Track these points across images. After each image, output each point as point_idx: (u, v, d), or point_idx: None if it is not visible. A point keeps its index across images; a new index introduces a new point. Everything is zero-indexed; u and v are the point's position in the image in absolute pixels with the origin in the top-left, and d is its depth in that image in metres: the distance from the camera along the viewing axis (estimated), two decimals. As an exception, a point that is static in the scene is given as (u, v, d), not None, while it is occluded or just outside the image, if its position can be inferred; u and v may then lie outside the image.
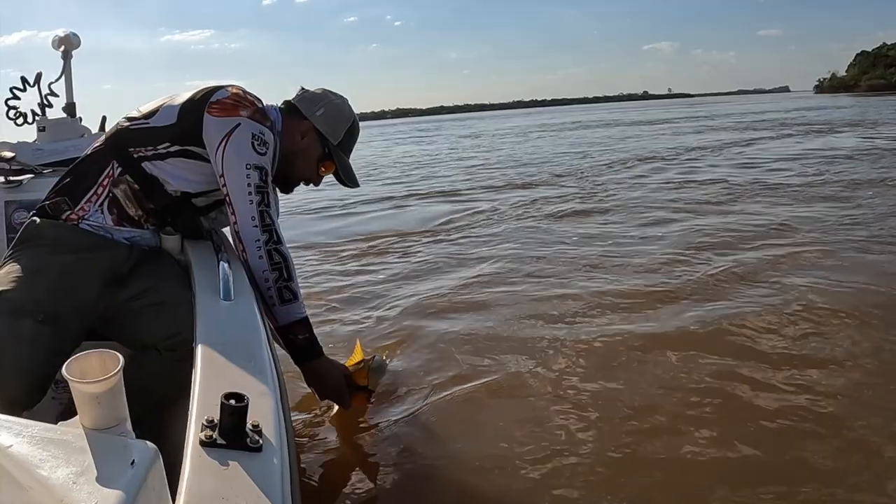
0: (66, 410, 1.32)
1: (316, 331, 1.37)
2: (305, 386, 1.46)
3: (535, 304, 2.56)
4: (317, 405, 1.67)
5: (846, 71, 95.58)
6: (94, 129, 2.30)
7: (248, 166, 1.26)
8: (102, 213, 1.27)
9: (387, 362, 1.82)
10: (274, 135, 1.33)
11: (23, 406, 1.09)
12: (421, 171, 9.46)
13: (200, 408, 0.65)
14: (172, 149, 1.28)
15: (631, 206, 4.94)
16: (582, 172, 7.59)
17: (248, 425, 0.62)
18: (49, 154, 2.08)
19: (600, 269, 3.06)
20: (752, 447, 1.46)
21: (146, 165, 1.28)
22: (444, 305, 2.62)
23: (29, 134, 2.21)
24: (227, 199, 1.27)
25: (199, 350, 0.81)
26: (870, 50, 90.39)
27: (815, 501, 1.28)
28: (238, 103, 1.29)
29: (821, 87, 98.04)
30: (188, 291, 1.15)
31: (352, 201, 5.90)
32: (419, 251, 3.79)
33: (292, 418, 1.25)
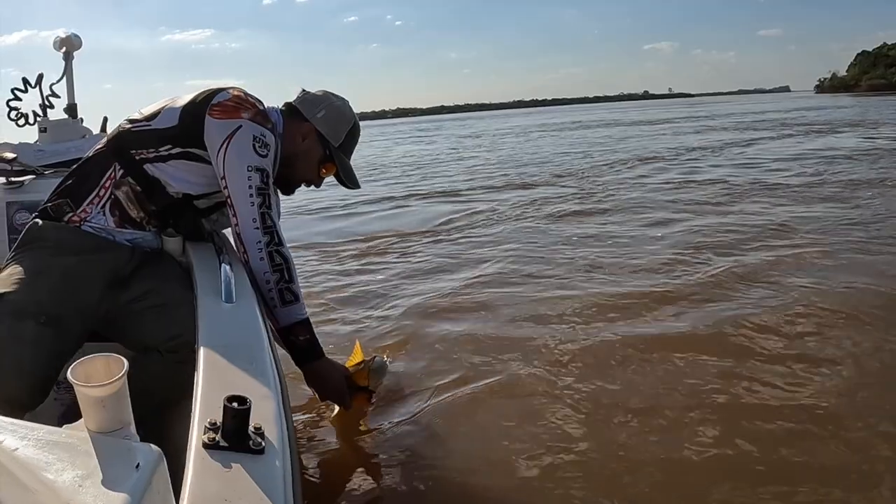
0: (67, 411, 1.33)
1: (316, 331, 1.38)
2: (307, 387, 1.46)
3: (535, 304, 2.56)
4: (318, 407, 1.67)
5: (847, 71, 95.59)
6: (96, 130, 2.30)
7: (250, 168, 1.26)
8: (104, 214, 1.27)
9: (388, 363, 1.82)
10: (275, 137, 1.34)
11: (25, 407, 1.10)
12: (421, 171, 9.47)
13: (203, 410, 0.66)
14: (174, 151, 1.28)
15: (631, 206, 4.94)
16: (582, 172, 7.60)
17: (251, 428, 0.62)
18: (50, 155, 2.09)
19: (600, 269, 3.06)
20: (753, 448, 1.47)
21: (148, 167, 1.28)
22: (445, 306, 2.62)
23: (30, 135, 2.22)
24: (229, 200, 1.28)
25: (202, 352, 0.82)
26: (870, 50, 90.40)
27: (814, 502, 1.28)
28: (239, 105, 1.30)
29: (821, 87, 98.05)
30: (190, 293, 1.16)
31: (352, 201, 5.91)
32: (419, 252, 3.79)
33: (294, 420, 1.26)
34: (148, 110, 1.32)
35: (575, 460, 1.45)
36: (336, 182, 1.52)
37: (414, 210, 5.63)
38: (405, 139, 21.97)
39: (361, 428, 1.63)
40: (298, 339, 1.33)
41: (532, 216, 4.82)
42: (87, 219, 1.27)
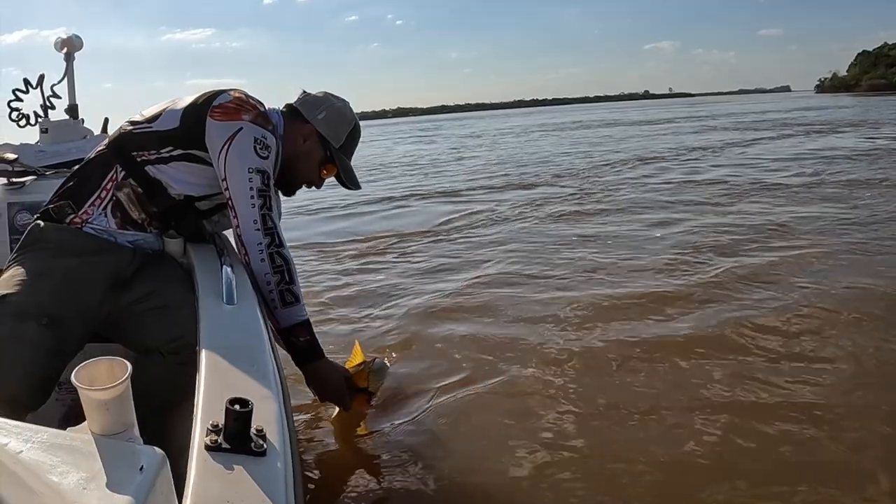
0: (69, 412, 1.34)
1: (316, 332, 1.38)
2: (307, 388, 1.47)
3: (536, 305, 2.56)
4: (319, 408, 1.68)
5: (847, 71, 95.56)
6: (97, 131, 2.30)
7: (251, 170, 1.27)
8: (106, 216, 1.28)
9: (388, 364, 1.82)
10: (276, 138, 1.34)
11: (27, 408, 1.10)
12: (421, 171, 9.48)
13: (205, 412, 0.66)
14: (175, 153, 1.29)
15: (631, 206, 4.95)
16: (582, 172, 7.61)
17: (252, 430, 0.63)
18: (52, 156, 2.09)
19: (601, 270, 3.07)
20: (754, 450, 1.47)
21: (149, 169, 1.29)
22: (446, 307, 2.62)
23: (31, 136, 2.22)
24: (230, 202, 1.28)
25: (203, 355, 0.82)
26: (871, 50, 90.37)
27: (814, 502, 1.29)
28: (240, 107, 1.30)
29: (822, 87, 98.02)
30: (191, 295, 1.16)
31: (353, 201, 5.91)
32: (420, 252, 3.80)
33: (295, 421, 1.26)
34: (149, 112, 1.33)
35: (576, 462, 1.46)
36: (336, 183, 1.52)
37: (414, 210, 5.63)
38: (405, 139, 21.97)
39: (362, 429, 1.63)
40: (299, 340, 1.34)
41: (532, 216, 4.82)
42: (89, 220, 1.27)
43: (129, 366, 0.52)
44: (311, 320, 1.37)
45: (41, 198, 1.77)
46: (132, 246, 1.30)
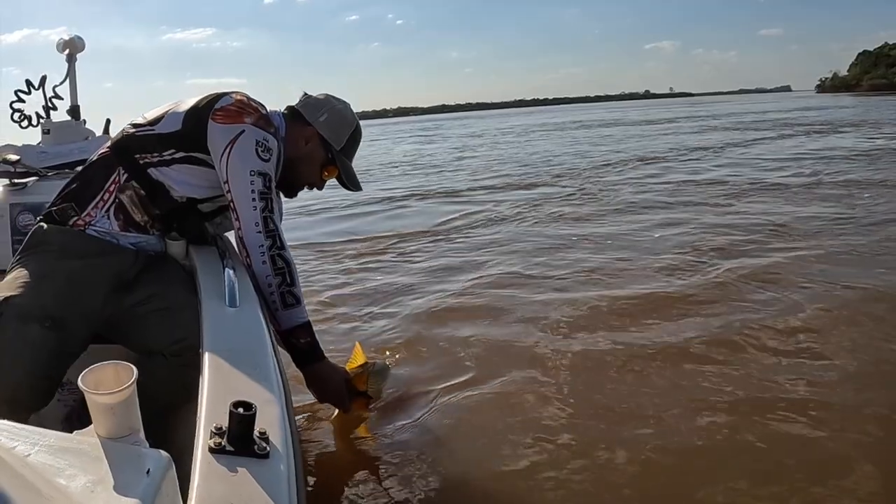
0: (71, 413, 1.34)
1: (316, 332, 1.39)
2: (308, 390, 1.48)
3: (537, 307, 2.57)
4: (320, 409, 1.68)
5: (848, 70, 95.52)
6: (99, 132, 2.31)
7: (252, 172, 1.27)
8: (109, 218, 1.28)
9: (389, 366, 1.83)
10: (278, 141, 1.35)
11: (30, 409, 1.11)
12: (422, 171, 9.48)
13: (209, 415, 0.67)
14: (177, 155, 1.29)
15: (632, 207, 4.95)
16: (583, 173, 7.61)
17: (256, 433, 0.64)
18: (53, 157, 2.10)
19: (601, 271, 3.07)
20: (753, 449, 1.48)
21: (152, 171, 1.29)
22: (447, 308, 2.63)
23: (33, 136, 2.23)
24: (232, 205, 1.29)
25: (206, 357, 0.83)
26: (871, 50, 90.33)
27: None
28: (242, 110, 1.31)
29: (822, 87, 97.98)
30: (193, 297, 1.17)
31: (353, 201, 5.92)
32: (420, 253, 3.80)
33: (297, 423, 1.26)
34: (151, 115, 1.34)
35: (576, 463, 1.46)
36: (337, 184, 1.53)
37: (414, 210, 5.64)
38: (406, 139, 21.97)
39: (363, 430, 1.64)
40: (299, 342, 1.34)
41: (533, 217, 4.83)
42: (92, 223, 1.28)
43: (135, 370, 0.53)
44: (312, 321, 1.38)
45: (43, 199, 1.78)
46: (135, 248, 1.30)
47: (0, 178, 1.93)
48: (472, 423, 1.68)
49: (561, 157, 10.17)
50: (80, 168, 1.45)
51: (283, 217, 1.52)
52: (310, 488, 1.41)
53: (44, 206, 1.36)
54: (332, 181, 1.53)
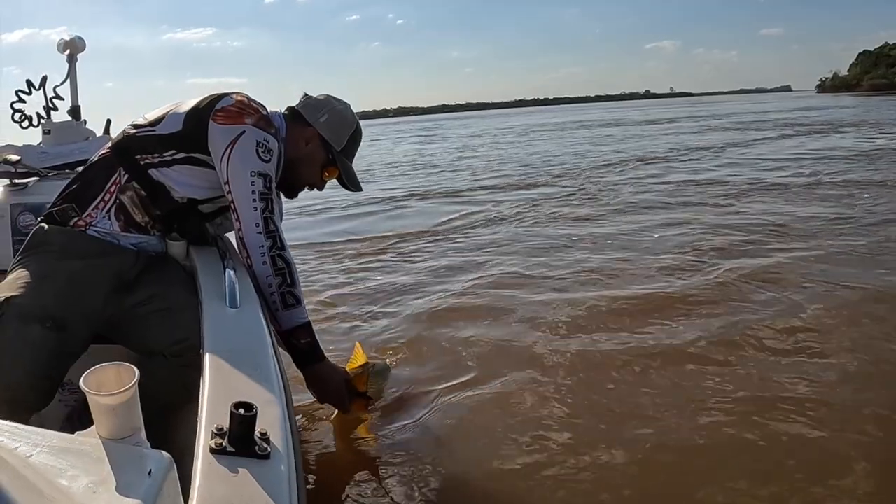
0: (72, 413, 1.35)
1: (316, 332, 1.39)
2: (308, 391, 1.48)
3: (538, 307, 2.57)
4: (320, 409, 1.68)
5: (848, 70, 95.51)
6: (99, 132, 2.32)
7: (253, 173, 1.28)
8: (109, 219, 1.29)
9: (390, 367, 1.83)
10: (278, 141, 1.36)
11: (31, 409, 1.12)
12: (422, 171, 9.49)
13: (210, 416, 0.67)
14: (178, 156, 1.30)
15: (632, 207, 4.95)
16: (583, 173, 7.61)
17: (257, 433, 0.64)
18: (54, 157, 2.10)
19: (602, 272, 3.07)
20: (753, 449, 1.48)
21: (152, 172, 1.30)
22: (448, 308, 2.63)
23: (34, 137, 2.24)
24: (232, 205, 1.29)
25: (207, 358, 0.83)
26: (872, 49, 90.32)
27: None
28: (243, 111, 1.31)
29: (823, 87, 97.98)
30: (194, 297, 1.17)
31: (353, 201, 5.92)
32: (420, 253, 3.80)
33: (297, 424, 1.27)
34: (152, 115, 1.34)
35: (576, 463, 1.46)
36: (337, 184, 1.53)
37: (414, 210, 5.64)
38: (406, 138, 21.97)
39: (364, 431, 1.64)
40: (300, 343, 1.35)
41: (533, 217, 4.83)
42: (93, 223, 1.28)
43: (137, 372, 0.53)
44: (312, 321, 1.38)
45: (44, 199, 1.78)
46: (135, 248, 1.31)
47: (1, 179, 1.94)
48: (473, 423, 1.68)
49: (561, 156, 10.17)
50: (80, 168, 1.45)
51: (284, 217, 1.52)
52: (310, 486, 1.41)
53: (44, 206, 1.36)
54: (333, 182, 1.53)
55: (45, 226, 1.28)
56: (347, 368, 1.59)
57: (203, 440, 0.63)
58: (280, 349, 1.21)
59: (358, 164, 1.55)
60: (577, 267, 3.19)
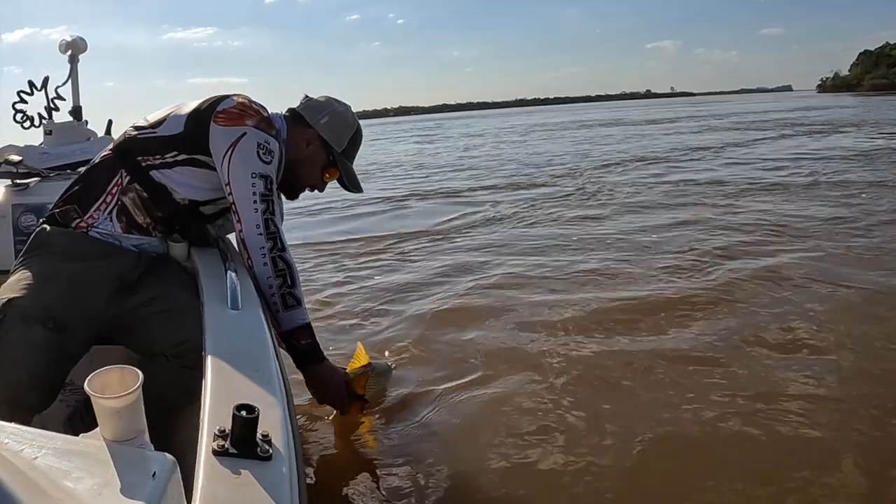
0: (74, 413, 1.35)
1: (317, 333, 1.40)
2: (309, 392, 1.49)
3: (538, 308, 2.57)
4: (320, 409, 1.69)
5: (849, 70, 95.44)
6: (100, 133, 2.32)
7: (254, 175, 1.29)
8: (111, 220, 1.29)
9: (392, 367, 1.83)
10: (279, 143, 1.36)
11: (33, 410, 1.12)
12: (422, 171, 9.49)
13: (212, 417, 0.68)
14: (179, 157, 1.31)
15: (632, 207, 4.95)
16: (583, 173, 7.61)
17: (258, 435, 0.65)
18: (55, 157, 2.11)
19: (603, 273, 3.07)
20: (754, 449, 1.49)
21: (154, 174, 1.30)
22: (449, 309, 2.63)
23: (35, 137, 2.24)
24: (233, 207, 1.30)
25: (209, 360, 0.84)
26: (872, 49, 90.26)
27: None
28: (244, 112, 1.32)
29: (823, 87, 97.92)
30: (195, 299, 1.18)
31: (353, 202, 5.92)
32: (420, 253, 3.81)
33: (298, 425, 1.27)
34: (154, 117, 1.35)
35: (576, 464, 1.46)
36: (337, 184, 1.54)
37: (415, 210, 5.64)
38: (406, 138, 21.97)
39: (365, 432, 1.65)
40: (300, 344, 1.35)
41: (534, 217, 4.83)
42: (95, 225, 1.29)
43: (141, 375, 0.54)
44: (312, 321, 1.39)
45: (45, 199, 1.79)
46: (137, 250, 1.31)
47: (2, 179, 1.94)
48: (474, 423, 1.69)
49: (562, 156, 10.17)
50: (82, 169, 1.46)
51: (284, 217, 1.53)
52: (311, 487, 1.42)
53: (46, 206, 1.37)
54: (333, 182, 1.54)
55: (47, 227, 1.29)
56: (349, 368, 1.60)
57: (205, 442, 0.63)
58: (281, 350, 1.22)
59: (358, 164, 1.56)
60: (578, 267, 3.19)
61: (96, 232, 1.29)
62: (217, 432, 0.64)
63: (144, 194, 1.30)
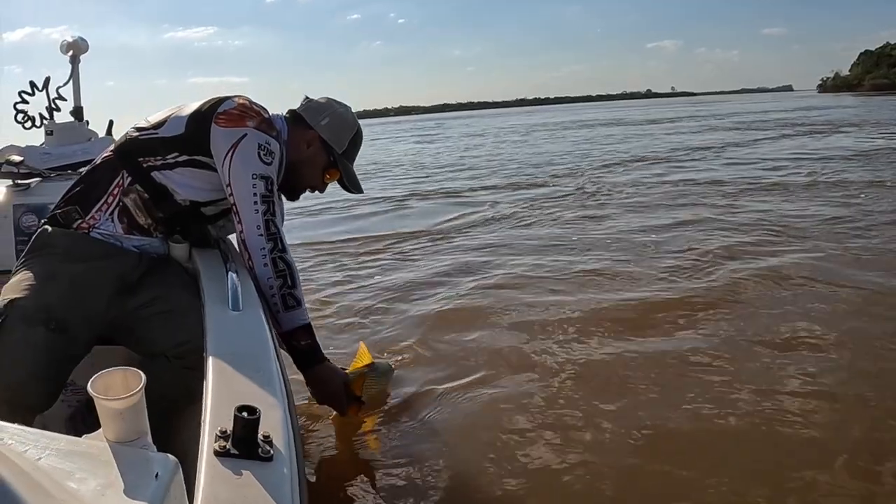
0: (75, 413, 1.36)
1: (317, 333, 1.40)
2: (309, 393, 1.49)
3: (539, 309, 2.57)
4: (321, 410, 1.69)
5: (849, 70, 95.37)
6: (101, 133, 2.33)
7: (255, 176, 1.29)
8: (113, 221, 1.30)
9: (393, 368, 1.84)
10: (280, 144, 1.37)
11: (35, 410, 1.13)
12: (422, 171, 9.49)
13: (213, 419, 0.69)
14: (181, 158, 1.31)
15: (633, 208, 4.95)
16: (584, 173, 7.61)
17: (260, 436, 0.65)
18: (57, 158, 2.11)
19: (604, 274, 3.07)
20: (753, 449, 1.49)
21: (155, 175, 1.31)
22: (450, 310, 2.63)
23: (37, 137, 2.25)
24: (234, 208, 1.30)
25: (210, 361, 0.84)
26: (873, 49, 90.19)
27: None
28: (244, 114, 1.33)
29: (824, 87, 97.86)
30: (196, 300, 1.18)
31: (354, 202, 5.92)
32: (420, 253, 3.81)
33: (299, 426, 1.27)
34: (155, 118, 1.35)
35: (576, 464, 1.47)
36: (338, 185, 1.55)
37: (415, 210, 5.65)
38: (407, 138, 21.97)
39: (367, 432, 1.65)
40: (300, 344, 1.36)
41: (534, 217, 4.83)
42: (96, 225, 1.29)
43: (143, 376, 0.54)
44: (312, 322, 1.39)
45: (46, 199, 1.79)
46: (138, 251, 1.32)
47: (3, 179, 1.95)
48: (475, 424, 1.69)
49: (562, 156, 10.17)
50: (83, 170, 1.46)
51: (284, 218, 1.53)
52: (314, 487, 1.42)
53: (47, 206, 1.38)
54: (333, 183, 1.54)
55: (49, 228, 1.29)
56: (351, 368, 1.60)
57: (207, 443, 0.64)
58: (282, 351, 1.22)
59: (358, 163, 1.56)
60: (578, 268, 3.19)
61: (98, 233, 1.29)
62: (218, 433, 0.64)
63: (146, 195, 1.30)
